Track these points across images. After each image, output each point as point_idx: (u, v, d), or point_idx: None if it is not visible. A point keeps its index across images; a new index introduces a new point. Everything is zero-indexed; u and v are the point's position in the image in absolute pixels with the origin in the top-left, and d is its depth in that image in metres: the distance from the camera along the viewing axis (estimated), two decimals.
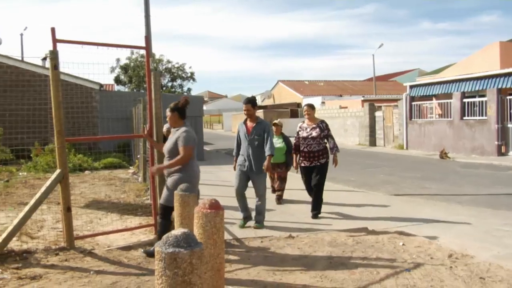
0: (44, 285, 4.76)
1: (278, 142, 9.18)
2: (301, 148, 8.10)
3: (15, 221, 5.67)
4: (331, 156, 8.09)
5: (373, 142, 25.68)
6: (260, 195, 7.32)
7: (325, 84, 56.53)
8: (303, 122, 8.31)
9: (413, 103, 22.69)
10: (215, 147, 27.53)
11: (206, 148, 25.17)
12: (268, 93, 57.75)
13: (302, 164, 8.15)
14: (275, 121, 9.72)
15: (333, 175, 13.33)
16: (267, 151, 7.19)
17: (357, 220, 7.71)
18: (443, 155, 18.21)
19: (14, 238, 5.79)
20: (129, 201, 9.00)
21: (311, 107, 8.29)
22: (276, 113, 40.17)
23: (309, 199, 8.13)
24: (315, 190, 7.99)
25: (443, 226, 7.21)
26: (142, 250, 5.87)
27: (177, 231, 2.27)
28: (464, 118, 19.61)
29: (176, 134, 5.70)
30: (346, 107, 30.34)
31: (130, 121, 17.47)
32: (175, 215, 4.58)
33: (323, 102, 38.77)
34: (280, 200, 9.31)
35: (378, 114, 25.63)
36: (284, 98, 52.64)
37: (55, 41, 5.89)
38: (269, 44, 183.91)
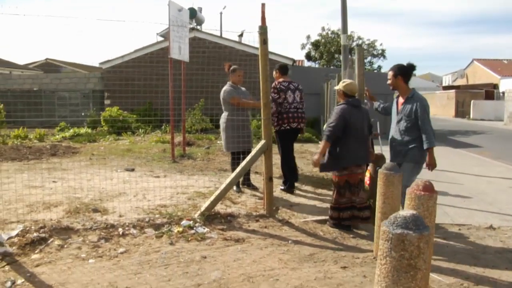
0: (247, 248, 5.08)
1: None
2: None
3: (222, 186, 6.12)
4: None
5: None
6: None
7: None
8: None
9: None
10: None
11: None
12: (462, 72, 54.17)
13: None
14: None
15: None
16: (424, 144, 5.39)
17: None
18: None
19: (219, 202, 6.27)
20: (322, 175, 9.11)
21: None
22: (470, 94, 37.53)
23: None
24: None
25: None
26: None
27: (406, 212, 2.21)
28: None
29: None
30: None
31: (321, 97, 17.71)
32: (378, 193, 4.55)
33: None
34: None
35: None
36: (479, 78, 48.92)
37: (264, 17, 6.10)
38: (464, 20, 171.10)
